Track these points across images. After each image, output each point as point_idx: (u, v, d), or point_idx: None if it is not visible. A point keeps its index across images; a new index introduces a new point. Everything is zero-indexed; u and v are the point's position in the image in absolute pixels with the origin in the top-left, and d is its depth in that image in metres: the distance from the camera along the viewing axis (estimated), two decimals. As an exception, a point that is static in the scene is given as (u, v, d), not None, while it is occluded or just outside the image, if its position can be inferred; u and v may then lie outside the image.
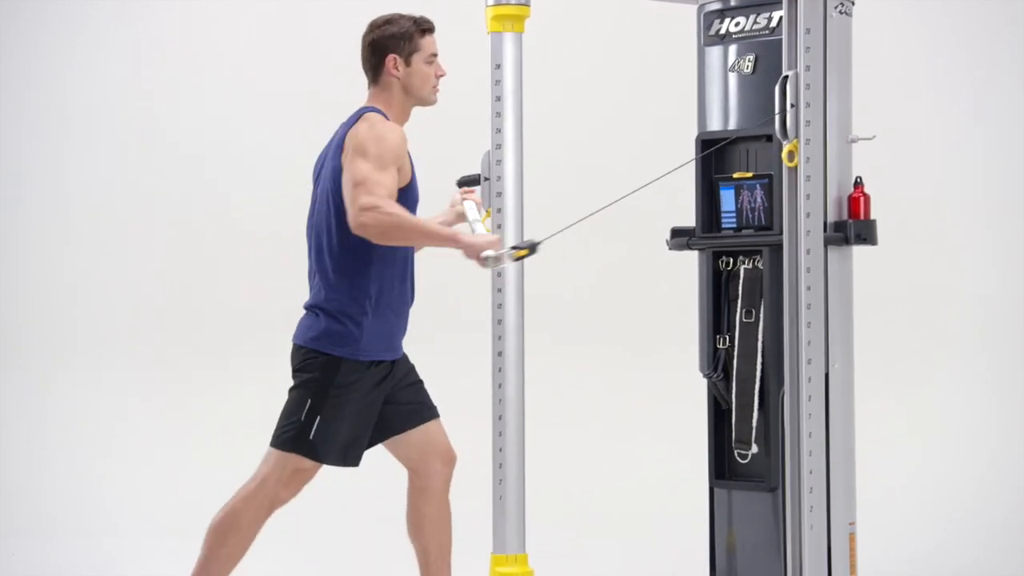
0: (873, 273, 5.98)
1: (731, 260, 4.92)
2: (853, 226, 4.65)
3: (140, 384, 7.73)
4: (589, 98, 7.94)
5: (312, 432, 4.16)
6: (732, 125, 4.88)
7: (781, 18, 4.70)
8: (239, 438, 7.13)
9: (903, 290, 7.70)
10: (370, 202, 4.02)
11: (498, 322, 4.92)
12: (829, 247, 4.63)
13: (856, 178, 4.72)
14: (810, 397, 4.58)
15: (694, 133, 4.98)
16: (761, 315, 4.81)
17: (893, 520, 6.44)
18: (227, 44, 7.99)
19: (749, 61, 4.85)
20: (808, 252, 4.57)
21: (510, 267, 4.90)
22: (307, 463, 4.19)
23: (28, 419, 7.61)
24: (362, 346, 4.17)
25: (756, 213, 4.82)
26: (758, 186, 4.79)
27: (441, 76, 4.33)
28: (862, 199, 4.68)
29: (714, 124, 4.93)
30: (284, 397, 4.31)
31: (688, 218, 5.00)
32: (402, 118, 4.29)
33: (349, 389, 4.17)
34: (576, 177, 7.60)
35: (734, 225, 4.88)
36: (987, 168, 7.80)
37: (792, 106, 4.58)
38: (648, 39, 7.52)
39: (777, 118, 4.61)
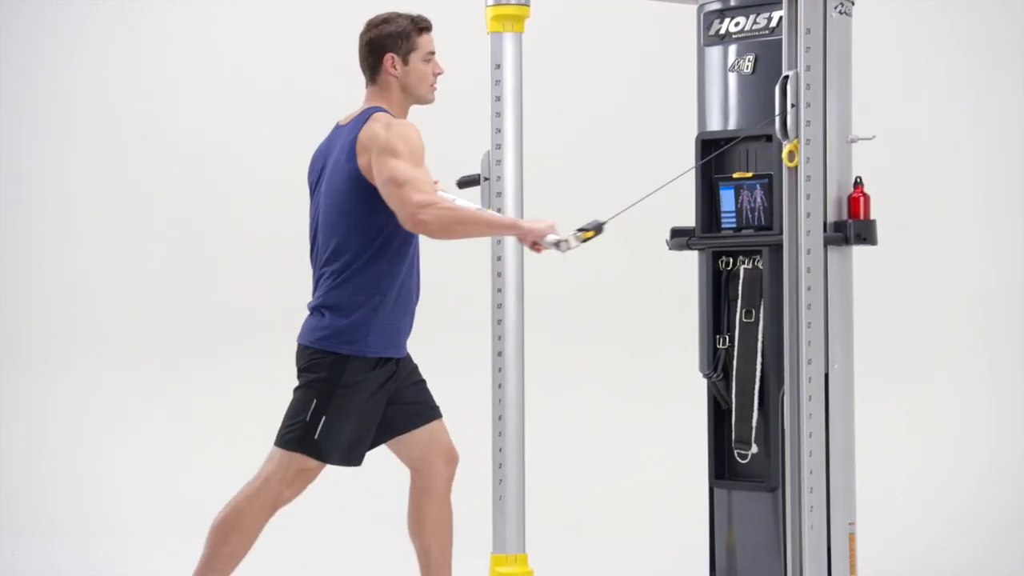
0: (873, 273, 5.98)
1: (731, 260, 4.92)
2: (853, 226, 4.65)
3: (140, 384, 7.72)
4: (589, 98, 7.94)
5: (317, 432, 4.16)
6: (732, 125, 4.88)
7: (781, 18, 4.70)
8: (239, 438, 7.15)
9: (903, 290, 7.70)
10: (425, 199, 4.06)
11: (498, 322, 4.92)
12: (829, 247, 4.63)
13: (856, 178, 4.72)
14: (810, 397, 4.58)
15: (694, 133, 4.98)
16: (761, 315, 4.81)
17: (893, 520, 6.44)
18: (227, 44, 7.99)
19: (749, 61, 4.85)
20: (808, 252, 4.57)
21: (510, 267, 4.90)
22: (311, 463, 4.19)
23: (28, 419, 7.60)
24: (370, 342, 4.17)
25: (756, 213, 4.82)
26: (758, 186, 4.79)
27: (439, 74, 4.34)
28: (862, 199, 4.69)
29: (714, 124, 4.93)
30: (284, 397, 4.31)
31: (688, 218, 5.00)
32: (401, 117, 4.30)
33: (354, 389, 4.17)
34: (576, 177, 7.60)
35: (734, 225, 4.88)
36: (987, 168, 7.80)
37: (792, 106, 4.58)
38: (648, 39, 7.52)
39: (777, 118, 4.61)
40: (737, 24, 4.89)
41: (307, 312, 4.28)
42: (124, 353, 7.78)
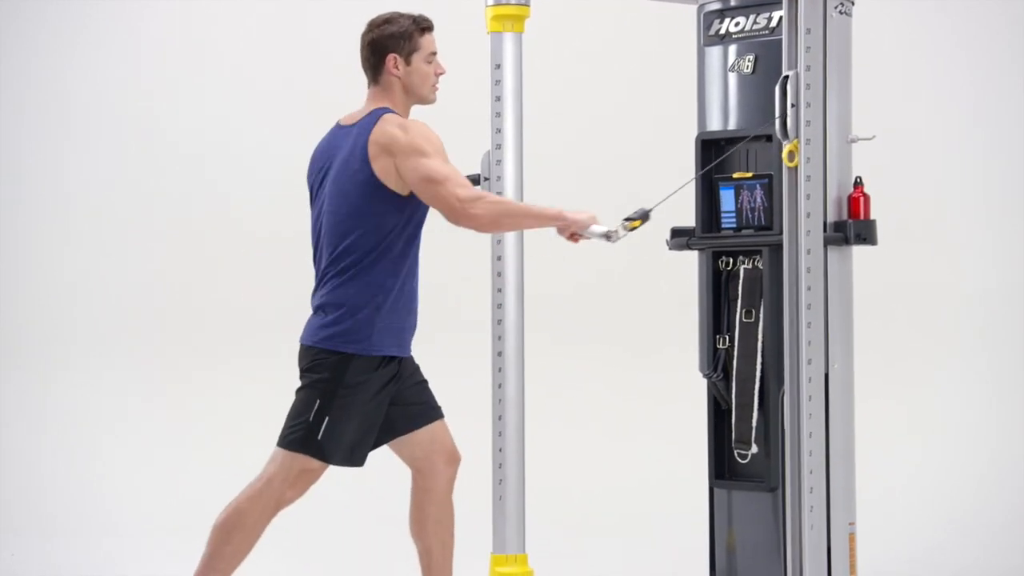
0: (873, 273, 5.98)
1: (731, 260, 4.92)
2: (853, 226, 4.65)
3: (140, 384, 7.73)
4: (589, 98, 7.94)
5: (320, 432, 4.16)
6: (732, 125, 4.88)
7: (781, 18, 4.70)
8: (239, 438, 7.15)
9: (903, 290, 7.70)
10: (473, 193, 4.12)
11: (498, 322, 4.92)
12: (829, 247, 4.63)
13: (856, 178, 4.72)
14: (810, 397, 4.58)
15: (694, 133, 4.98)
16: (761, 315, 4.81)
17: (893, 520, 6.44)
18: (227, 44, 7.99)
19: (749, 61, 4.85)
20: (808, 252, 4.57)
21: (510, 267, 4.90)
22: (314, 463, 4.19)
23: (28, 419, 7.60)
24: (374, 341, 4.17)
25: (756, 213, 4.82)
26: (758, 186, 4.79)
27: (440, 74, 4.34)
28: (862, 199, 4.69)
29: (714, 124, 4.93)
30: (284, 397, 4.31)
31: (688, 218, 5.00)
32: (404, 117, 4.30)
33: (357, 389, 4.17)
34: (576, 177, 7.60)
35: (734, 225, 4.88)
36: (987, 168, 7.80)
37: (792, 106, 4.58)
38: (648, 39, 7.52)
39: (777, 118, 4.61)
40: (737, 24, 4.89)
41: (308, 312, 4.28)
42: (124, 353, 7.78)
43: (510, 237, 4.90)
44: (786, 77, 4.60)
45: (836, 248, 4.66)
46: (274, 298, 7.58)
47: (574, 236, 4.26)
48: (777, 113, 4.61)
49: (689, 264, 5.07)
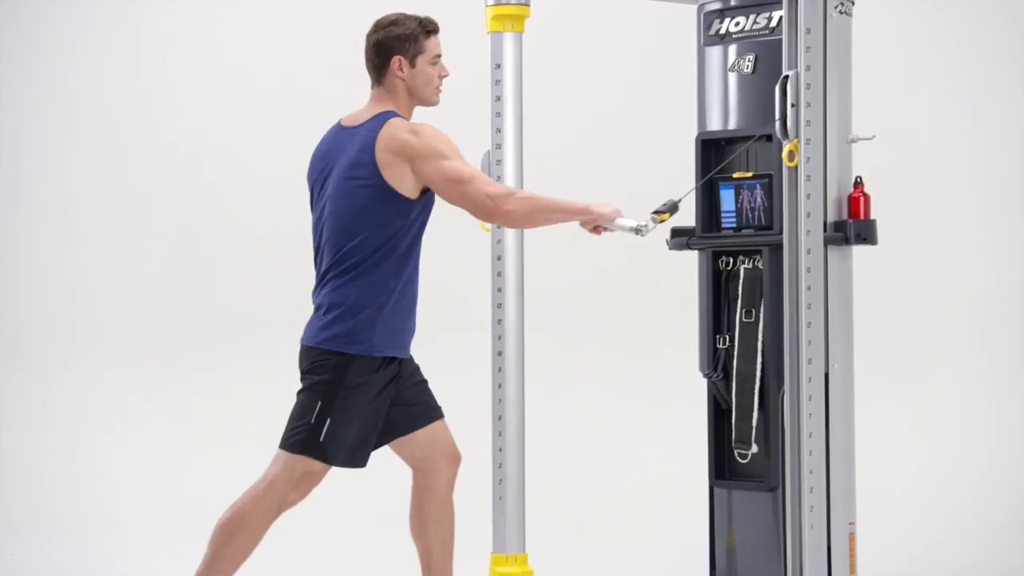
0: (873, 273, 5.98)
1: (731, 260, 4.92)
2: (853, 226, 4.65)
3: (140, 384, 7.72)
4: (589, 98, 7.94)
5: (323, 434, 4.15)
6: (732, 125, 4.88)
7: (781, 18, 4.70)
8: (239, 438, 7.16)
9: (903, 290, 7.70)
10: (503, 190, 4.20)
11: (498, 322, 4.92)
12: (829, 247, 4.63)
13: (856, 178, 4.72)
14: (810, 397, 4.58)
15: (694, 133, 4.98)
16: (761, 315, 4.81)
17: (893, 520, 6.44)
18: (227, 44, 7.99)
19: (749, 61, 4.85)
20: (808, 252, 4.57)
21: (510, 267, 4.91)
22: (317, 465, 4.19)
23: (28, 419, 7.60)
24: (375, 342, 4.17)
25: (756, 213, 4.82)
26: (758, 186, 4.79)
27: (445, 77, 4.33)
28: (862, 199, 4.69)
29: (714, 124, 4.93)
30: (284, 397, 4.31)
31: (688, 218, 5.00)
32: (407, 119, 4.29)
33: (358, 391, 4.17)
34: (576, 177, 7.60)
35: (734, 225, 4.88)
36: (987, 168, 7.80)
37: (792, 106, 4.58)
38: (648, 39, 7.52)
39: (777, 118, 4.61)
40: (737, 24, 4.89)
41: (308, 312, 4.27)
42: (124, 353, 7.78)
43: (510, 237, 4.91)
44: (786, 77, 4.60)
45: (836, 248, 4.66)
46: (274, 298, 7.58)
47: (597, 228, 4.31)
48: (777, 113, 4.61)
49: (689, 264, 5.07)
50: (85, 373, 7.72)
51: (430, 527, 4.36)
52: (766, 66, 4.78)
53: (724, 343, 4.90)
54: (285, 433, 4.22)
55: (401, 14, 4.29)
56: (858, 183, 4.71)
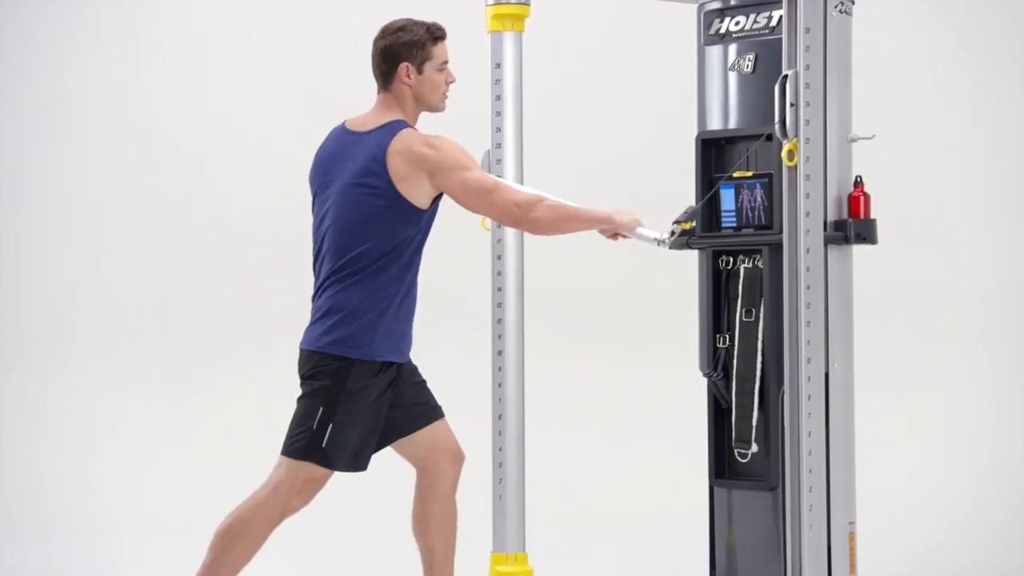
0: (873, 273, 5.98)
1: (731, 259, 4.92)
2: (853, 225, 4.65)
3: (140, 384, 7.72)
4: (589, 97, 7.94)
5: (325, 440, 4.14)
6: (732, 124, 4.88)
7: (781, 17, 4.70)
8: (239, 438, 7.16)
9: (903, 290, 7.70)
10: (531, 197, 4.21)
11: (498, 321, 4.92)
12: (829, 246, 4.63)
13: (856, 177, 4.72)
14: (810, 396, 4.57)
15: (694, 133, 4.98)
16: (761, 314, 4.81)
17: (893, 520, 6.44)
18: (227, 44, 7.99)
19: (749, 60, 4.85)
20: (808, 251, 4.57)
21: (510, 265, 4.91)
22: (319, 471, 4.18)
23: (28, 419, 7.60)
24: (375, 347, 4.16)
25: (756, 212, 4.81)
26: (758, 185, 4.79)
27: (451, 83, 4.32)
28: (862, 198, 4.69)
29: (714, 124, 4.93)
30: (284, 397, 4.31)
31: (688, 217, 5.00)
32: (413, 125, 4.28)
33: (358, 395, 4.16)
34: (576, 177, 7.60)
35: (734, 224, 4.88)
36: (987, 168, 7.80)
37: (792, 105, 4.58)
38: (648, 39, 7.52)
39: (777, 118, 4.61)
40: (737, 23, 4.89)
41: (308, 315, 4.26)
42: (124, 353, 7.78)
43: (510, 235, 4.91)
44: (785, 76, 4.60)
45: (836, 247, 4.66)
46: (274, 298, 7.58)
47: (616, 235, 4.35)
48: (776, 113, 4.61)
49: (689, 263, 5.07)
50: (85, 373, 7.72)
51: (433, 526, 4.36)
52: (766, 65, 4.78)
53: (724, 342, 4.90)
54: (286, 440, 4.20)
55: (409, 20, 4.27)
56: (858, 182, 4.71)
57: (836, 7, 4.66)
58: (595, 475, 7.25)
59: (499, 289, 4.93)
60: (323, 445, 4.15)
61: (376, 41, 4.27)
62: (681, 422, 5.94)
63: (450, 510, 4.38)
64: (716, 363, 4.91)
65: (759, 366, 4.80)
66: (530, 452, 4.97)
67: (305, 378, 4.21)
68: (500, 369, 4.92)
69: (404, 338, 4.26)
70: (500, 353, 4.92)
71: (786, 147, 4.60)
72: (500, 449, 4.91)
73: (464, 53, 5.20)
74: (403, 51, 4.23)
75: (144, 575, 6.14)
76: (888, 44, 7.60)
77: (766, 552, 4.80)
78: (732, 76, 4.88)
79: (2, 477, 7.30)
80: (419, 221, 4.18)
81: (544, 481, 5.79)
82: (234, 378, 7.62)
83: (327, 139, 4.32)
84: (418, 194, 4.15)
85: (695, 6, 5.02)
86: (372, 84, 4.30)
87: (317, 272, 4.27)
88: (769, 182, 4.76)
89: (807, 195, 4.58)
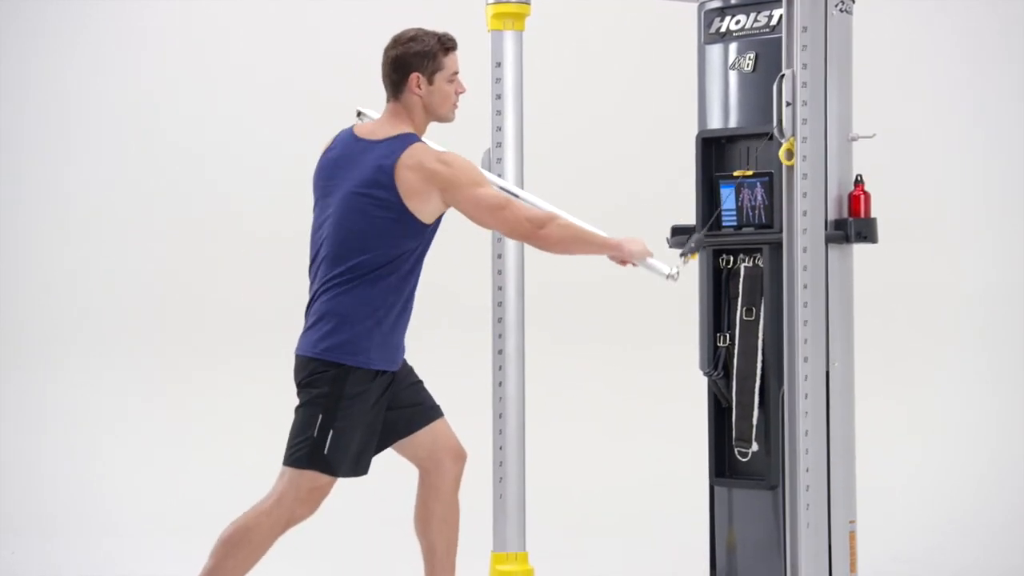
0: (873, 272, 5.97)
1: (731, 258, 4.92)
2: (853, 224, 4.65)
3: (140, 384, 7.72)
4: (589, 97, 7.94)
5: (326, 447, 4.13)
6: (732, 123, 4.89)
7: (781, 16, 4.70)
8: (239, 438, 7.16)
9: (903, 289, 7.70)
10: (540, 216, 4.22)
11: (498, 320, 4.92)
12: (829, 245, 4.63)
13: (857, 176, 4.72)
14: (807, 395, 4.57)
15: (694, 132, 4.98)
16: (761, 313, 4.81)
17: (893, 520, 6.44)
18: (228, 44, 7.99)
19: (749, 59, 4.85)
20: (805, 250, 4.57)
21: (510, 266, 4.91)
22: (323, 479, 4.16)
23: (28, 419, 7.60)
24: (372, 356, 4.15)
25: (756, 211, 4.81)
26: (758, 184, 4.79)
27: (461, 93, 4.31)
28: (862, 197, 4.69)
29: (714, 122, 4.93)
30: (284, 397, 4.30)
31: (688, 216, 5.00)
32: (420, 134, 4.27)
33: (357, 400, 4.15)
34: (576, 176, 7.60)
35: (734, 223, 4.88)
36: (987, 168, 7.80)
37: (788, 104, 4.57)
38: (648, 38, 7.51)
39: (775, 117, 4.61)
40: (738, 22, 4.89)
41: (306, 319, 4.24)
42: (124, 353, 7.78)
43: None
44: (782, 76, 4.60)
45: (836, 246, 4.66)
46: (274, 298, 7.57)
47: (624, 262, 4.36)
48: (775, 112, 4.61)
49: (689, 262, 5.06)
50: (85, 373, 7.72)
51: (435, 525, 4.36)
52: (766, 64, 4.78)
53: (724, 341, 4.90)
54: (287, 449, 4.19)
55: (420, 30, 4.25)
56: (859, 181, 4.71)
57: (837, 6, 4.65)
58: (595, 475, 7.24)
59: (499, 289, 4.93)
60: (325, 452, 4.14)
61: (387, 50, 4.25)
62: (681, 421, 5.93)
63: (453, 509, 4.38)
64: (716, 362, 4.91)
65: (759, 365, 4.80)
66: (530, 452, 4.96)
67: (302, 385, 4.20)
68: (500, 369, 4.92)
69: (398, 349, 4.26)
70: (500, 353, 4.92)
71: (784, 146, 4.59)
72: (500, 448, 4.90)
73: (464, 52, 5.21)
74: (414, 61, 4.21)
75: (144, 575, 6.13)
76: (888, 44, 7.60)
77: (766, 551, 4.80)
78: (732, 75, 4.88)
79: (2, 477, 7.30)
80: (423, 234, 4.18)
81: (544, 481, 5.79)
82: (234, 378, 7.62)
83: (334, 143, 4.29)
84: (426, 210, 4.14)
85: (695, 5, 5.02)
86: (372, 84, 4.30)
87: (313, 276, 4.25)
88: (769, 181, 4.76)
89: (805, 194, 4.57)
